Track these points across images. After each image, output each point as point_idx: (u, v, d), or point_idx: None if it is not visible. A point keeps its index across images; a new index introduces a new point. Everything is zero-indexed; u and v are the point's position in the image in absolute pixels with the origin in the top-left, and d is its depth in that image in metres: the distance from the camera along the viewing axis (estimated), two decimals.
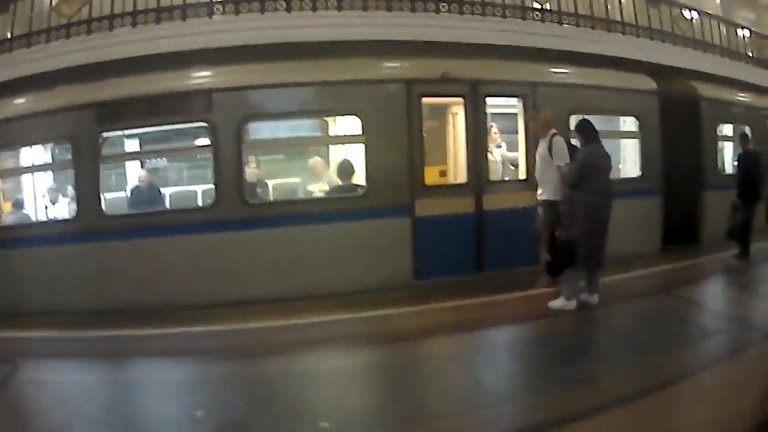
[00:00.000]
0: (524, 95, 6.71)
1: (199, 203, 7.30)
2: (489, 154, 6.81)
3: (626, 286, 6.16)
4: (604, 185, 5.23)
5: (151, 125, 6.59)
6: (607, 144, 8.11)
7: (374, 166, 6.20)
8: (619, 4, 7.81)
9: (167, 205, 7.39)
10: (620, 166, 7.85)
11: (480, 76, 6.52)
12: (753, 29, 9.51)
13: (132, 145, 7.49)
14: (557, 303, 5.25)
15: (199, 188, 7.62)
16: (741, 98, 9.05)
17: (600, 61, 7.33)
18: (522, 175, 6.79)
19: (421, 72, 6.40)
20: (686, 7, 8.63)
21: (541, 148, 5.92)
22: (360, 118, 6.24)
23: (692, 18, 8.51)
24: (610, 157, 5.49)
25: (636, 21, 7.94)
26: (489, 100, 6.69)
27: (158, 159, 7.97)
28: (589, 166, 5.16)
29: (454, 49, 6.50)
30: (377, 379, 4.13)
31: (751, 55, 9.37)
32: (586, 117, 5.77)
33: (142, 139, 7.48)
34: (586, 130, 5.40)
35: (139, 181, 7.42)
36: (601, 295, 5.33)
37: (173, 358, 4.57)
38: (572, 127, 6.68)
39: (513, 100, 6.92)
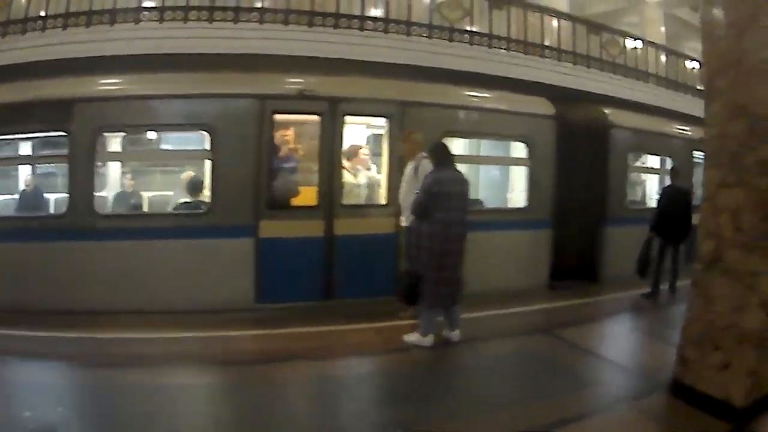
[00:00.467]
0: (391, 115, 6.26)
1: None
2: (351, 177, 6.39)
3: (501, 324, 5.69)
4: (455, 215, 4.74)
5: (21, 133, 6.58)
6: (492, 171, 7.67)
7: (220, 184, 5.91)
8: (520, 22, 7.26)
9: (51, 209, 7.40)
10: (508, 195, 7.20)
11: (340, 94, 6.13)
12: (700, 60, 8.66)
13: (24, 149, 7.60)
14: (412, 338, 4.86)
15: None
16: (667, 129, 8.21)
17: (495, 83, 6.79)
18: (383, 200, 6.31)
19: (275, 88, 6.07)
20: (624, 34, 7.97)
21: (408, 171, 5.51)
22: (209, 133, 5.98)
23: (624, 44, 7.84)
24: (467, 183, 5.01)
25: (558, 43, 7.38)
26: (352, 119, 6.29)
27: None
28: (435, 193, 4.69)
29: (318, 65, 6.14)
30: (195, 401, 3.93)
31: (697, 87, 8.51)
32: (442, 141, 5.33)
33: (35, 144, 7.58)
34: (438, 153, 4.95)
35: (26, 185, 7.53)
36: (467, 332, 4.90)
37: (22, 360, 4.57)
38: None
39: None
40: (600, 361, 4.77)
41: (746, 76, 3.64)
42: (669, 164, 7.36)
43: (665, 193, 6.94)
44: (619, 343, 5.51)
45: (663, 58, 8.21)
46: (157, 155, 7.20)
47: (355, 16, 6.40)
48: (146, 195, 7.18)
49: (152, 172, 7.80)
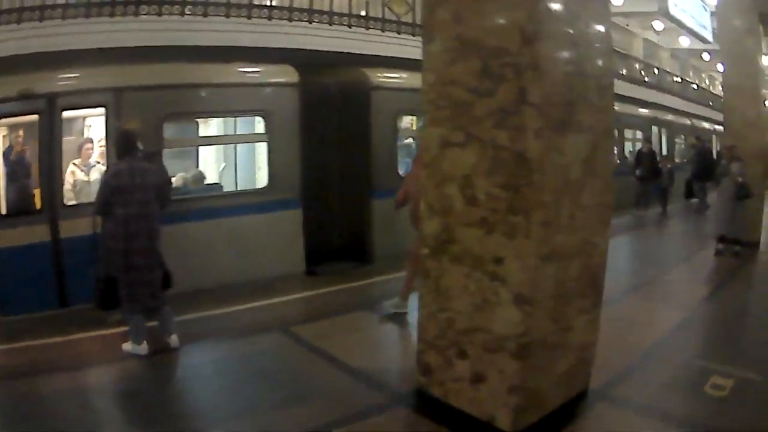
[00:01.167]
0: (107, 104, 5.93)
1: None
2: (82, 174, 6.12)
3: (233, 323, 5.21)
4: (135, 209, 4.36)
5: None
6: (243, 151, 6.99)
7: None
8: None
9: None
10: (255, 176, 6.55)
11: (57, 89, 5.86)
12: None
13: None
14: (128, 346, 4.53)
15: None
16: None
17: (243, 54, 6.20)
18: None
19: None
20: None
21: None
22: None
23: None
24: (152, 173, 4.55)
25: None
26: (70, 114, 6.02)
27: None
28: (113, 187, 4.35)
29: (37, 61, 5.91)
30: None
31: None
32: (127, 128, 4.96)
33: None
34: (119, 142, 4.63)
35: None
36: (192, 335, 4.63)
37: None
38: (166, 135, 5.83)
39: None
40: (336, 364, 4.12)
41: (475, 2, 2.90)
42: None
43: None
44: (367, 340, 4.82)
45: None
46: None
47: (58, 5, 6.10)
48: None
49: None
